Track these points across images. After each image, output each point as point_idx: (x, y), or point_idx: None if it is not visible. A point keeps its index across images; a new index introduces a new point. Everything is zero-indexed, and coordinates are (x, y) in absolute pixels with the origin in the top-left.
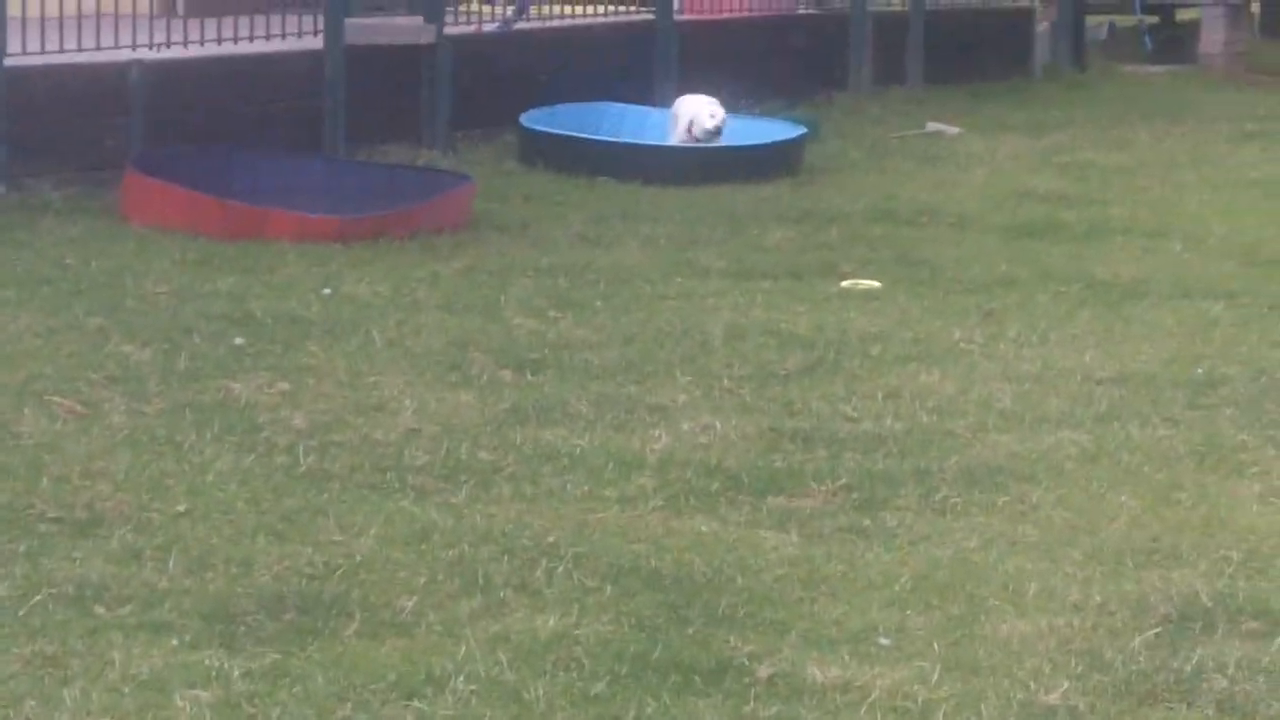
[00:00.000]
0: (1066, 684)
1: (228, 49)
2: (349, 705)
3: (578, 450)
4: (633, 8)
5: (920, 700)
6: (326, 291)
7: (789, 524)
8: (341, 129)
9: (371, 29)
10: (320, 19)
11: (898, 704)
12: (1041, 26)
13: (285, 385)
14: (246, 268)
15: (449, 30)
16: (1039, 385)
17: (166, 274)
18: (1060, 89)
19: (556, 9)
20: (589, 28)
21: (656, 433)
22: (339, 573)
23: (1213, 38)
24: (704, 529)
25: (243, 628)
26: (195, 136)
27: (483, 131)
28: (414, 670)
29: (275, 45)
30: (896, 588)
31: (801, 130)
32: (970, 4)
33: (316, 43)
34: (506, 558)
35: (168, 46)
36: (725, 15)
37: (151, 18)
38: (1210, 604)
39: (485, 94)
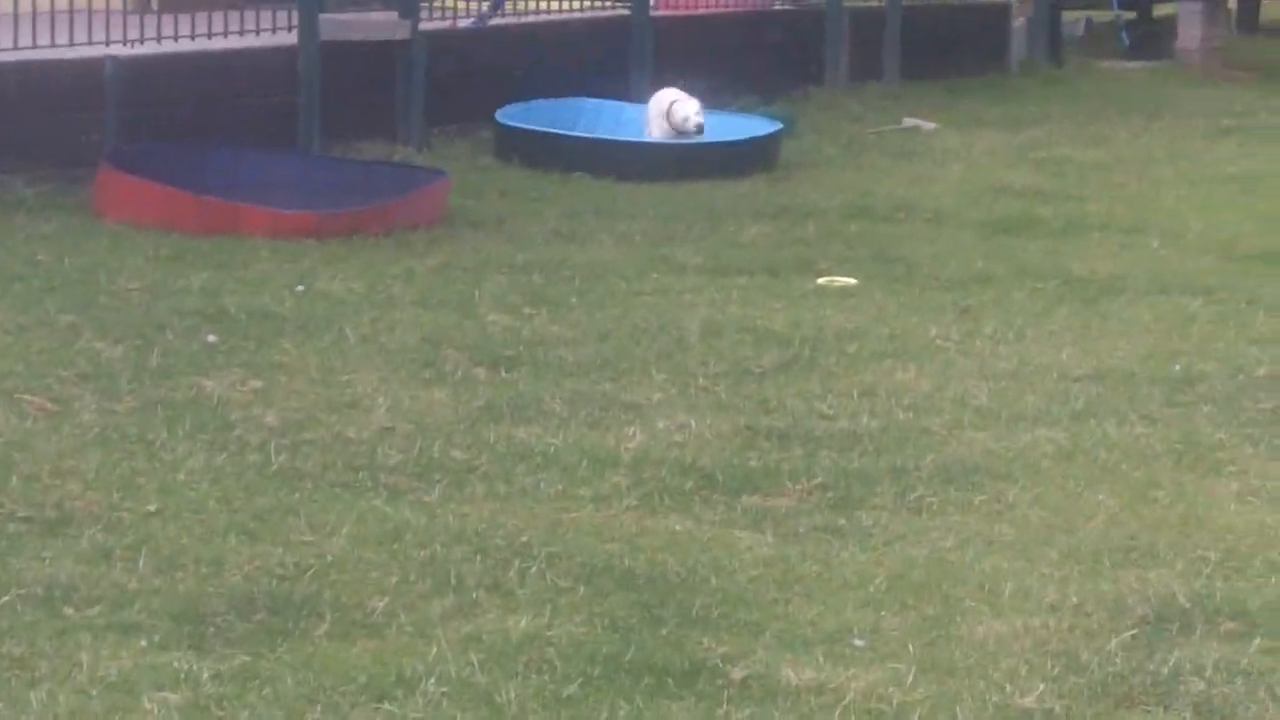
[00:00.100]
0: (1042, 686)
1: (202, 45)
2: (318, 707)
3: (552, 449)
4: (608, 3)
5: (895, 702)
6: (300, 288)
7: (764, 523)
8: (316, 125)
9: (346, 25)
10: (295, 14)
11: (872, 706)
12: (1018, 22)
13: (258, 383)
14: (220, 264)
15: (424, 26)
16: (1015, 382)
17: (140, 270)
18: (1037, 84)
19: (532, 4)
20: (564, 23)
21: (631, 431)
22: (310, 573)
23: (1190, 33)
24: (678, 528)
25: (212, 629)
26: (170, 132)
27: (458, 127)
28: (384, 672)
29: (250, 41)
30: (871, 588)
31: (778, 126)
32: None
33: (291, 38)
34: (479, 557)
35: (142, 42)
36: (701, 10)
37: (125, 13)
38: (1188, 604)
39: (460, 90)
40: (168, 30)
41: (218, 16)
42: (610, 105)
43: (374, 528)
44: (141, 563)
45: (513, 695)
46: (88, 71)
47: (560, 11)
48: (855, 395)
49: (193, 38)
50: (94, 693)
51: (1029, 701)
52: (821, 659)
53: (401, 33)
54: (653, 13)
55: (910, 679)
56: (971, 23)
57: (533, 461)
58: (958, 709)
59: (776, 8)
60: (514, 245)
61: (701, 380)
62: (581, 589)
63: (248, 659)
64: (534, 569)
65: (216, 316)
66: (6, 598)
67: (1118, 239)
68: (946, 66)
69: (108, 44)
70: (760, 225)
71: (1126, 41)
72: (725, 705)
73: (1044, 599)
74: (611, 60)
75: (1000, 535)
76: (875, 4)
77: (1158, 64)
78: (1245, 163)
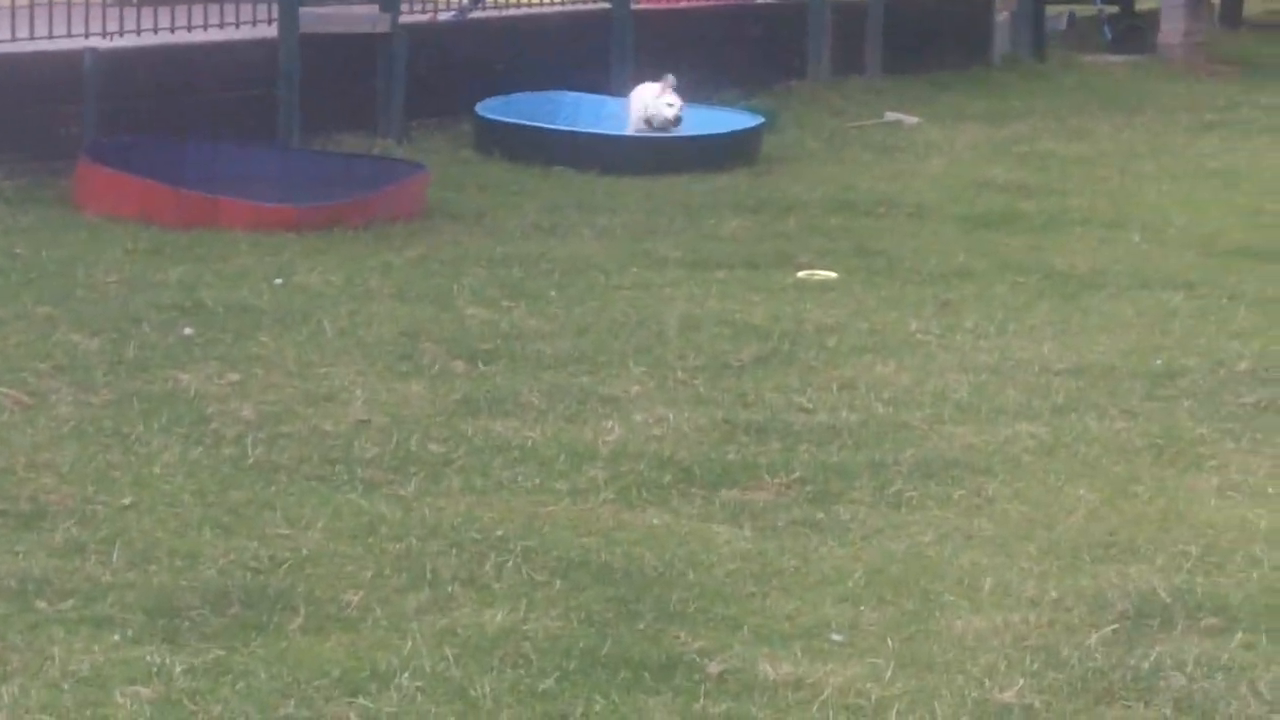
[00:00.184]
0: (1022, 681)
1: (182, 37)
2: (292, 702)
3: (529, 442)
4: None
5: (873, 697)
6: (278, 281)
7: (742, 517)
8: (296, 118)
9: (326, 18)
10: (275, 7)
11: (850, 701)
12: (1001, 16)
13: (234, 376)
14: (199, 257)
15: (404, 19)
16: (996, 377)
17: (118, 263)
18: (1019, 79)
19: None
20: (545, 16)
21: (609, 424)
22: (285, 566)
23: (1172, 28)
24: (656, 522)
25: (186, 623)
26: (149, 125)
27: (438, 120)
28: (359, 666)
29: (229, 34)
30: (850, 583)
31: (759, 120)
32: None
33: (271, 31)
34: (455, 551)
35: (121, 35)
36: (682, 4)
37: (105, 5)
38: (1168, 600)
39: (441, 83)
40: (147, 23)
41: (198, 9)
42: (591, 99)
43: (349, 521)
44: (115, 556)
45: (488, 689)
46: (67, 64)
47: (541, 5)
48: (834, 389)
49: (173, 30)
50: (65, 687)
51: (1008, 697)
52: (799, 653)
53: (382, 26)
54: (633, 6)
55: (889, 674)
56: (954, 17)
57: (510, 455)
58: (936, 704)
59: (758, 1)
60: (493, 239)
61: (680, 374)
62: (558, 583)
63: (221, 653)
64: (510, 563)
65: (194, 310)
66: None
67: (1099, 233)
68: (929, 61)
69: (87, 36)
70: (741, 219)
71: (1109, 36)
72: (702, 700)
73: (1023, 594)
74: (592, 54)
75: (980, 530)
76: None
77: (1140, 58)
78: (1227, 158)
